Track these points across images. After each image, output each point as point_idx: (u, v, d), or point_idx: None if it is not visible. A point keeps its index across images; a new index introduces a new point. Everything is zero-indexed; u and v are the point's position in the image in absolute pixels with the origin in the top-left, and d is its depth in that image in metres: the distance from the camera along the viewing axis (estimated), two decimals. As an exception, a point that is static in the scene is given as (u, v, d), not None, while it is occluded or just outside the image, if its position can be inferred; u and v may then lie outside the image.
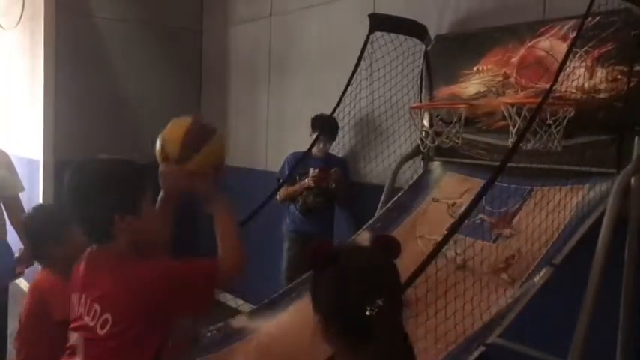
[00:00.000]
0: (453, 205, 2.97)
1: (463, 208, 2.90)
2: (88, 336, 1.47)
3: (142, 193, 1.53)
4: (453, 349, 2.08)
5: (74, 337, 1.52)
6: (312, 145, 3.50)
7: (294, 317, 2.53)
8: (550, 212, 2.45)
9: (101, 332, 1.44)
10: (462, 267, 2.51)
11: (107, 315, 1.44)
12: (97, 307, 1.46)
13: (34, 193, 4.73)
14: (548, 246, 2.35)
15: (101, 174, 1.53)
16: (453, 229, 2.13)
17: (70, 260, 1.83)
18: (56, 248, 2.08)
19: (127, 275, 1.45)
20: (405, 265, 2.67)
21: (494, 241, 2.61)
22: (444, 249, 2.66)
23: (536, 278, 2.17)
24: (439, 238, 2.78)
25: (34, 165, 5.02)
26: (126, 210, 1.48)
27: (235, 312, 2.88)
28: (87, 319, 1.47)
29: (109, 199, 1.48)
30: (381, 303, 1.07)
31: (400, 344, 1.11)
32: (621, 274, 2.45)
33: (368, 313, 1.07)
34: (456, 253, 2.53)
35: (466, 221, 2.17)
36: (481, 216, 2.69)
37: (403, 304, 1.19)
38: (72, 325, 1.54)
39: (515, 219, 2.62)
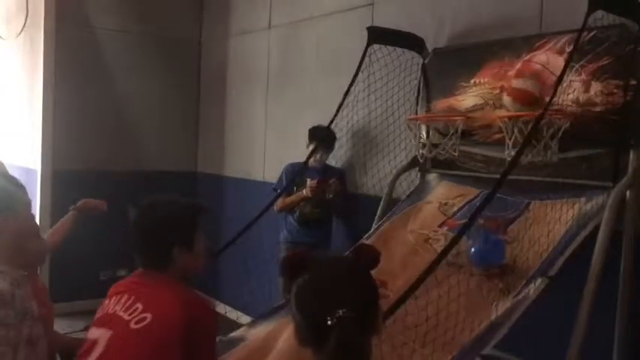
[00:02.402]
0: (445, 204, 2.98)
1: (455, 208, 2.94)
2: (117, 329, 1.59)
3: (196, 230, 1.76)
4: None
5: (95, 333, 1.64)
6: (309, 156, 3.51)
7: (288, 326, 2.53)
8: (546, 225, 2.46)
9: (134, 326, 1.56)
10: (453, 264, 2.51)
11: (148, 314, 1.57)
12: (139, 305, 1.60)
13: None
14: (543, 258, 2.35)
15: (165, 212, 1.76)
16: (454, 240, 2.12)
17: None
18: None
19: (185, 297, 1.64)
20: (394, 255, 2.69)
21: None
22: (435, 245, 2.68)
23: (531, 290, 2.17)
24: (430, 234, 2.81)
25: (31, 174, 5.02)
26: (183, 243, 1.70)
27: (234, 324, 2.87)
28: (122, 314, 1.60)
29: (170, 234, 1.70)
30: (341, 313, 1.09)
31: (354, 356, 1.10)
32: (617, 286, 2.46)
33: (329, 322, 1.09)
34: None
35: (461, 221, 2.17)
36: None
37: (375, 321, 1.18)
38: (97, 322, 1.67)
39: (511, 227, 2.63)
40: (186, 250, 1.70)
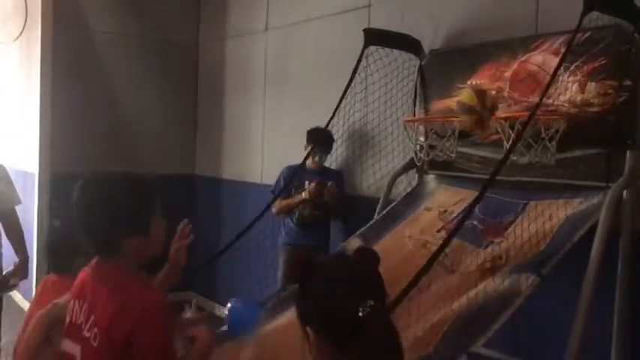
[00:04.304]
0: (445, 212, 2.99)
1: (455, 214, 2.94)
2: (84, 348, 1.48)
3: (151, 212, 1.52)
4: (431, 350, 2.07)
5: (70, 345, 1.52)
6: (305, 158, 3.51)
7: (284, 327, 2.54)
8: (541, 222, 2.46)
9: (93, 344, 1.45)
10: (448, 269, 2.52)
11: (96, 329, 1.45)
12: (93, 317, 1.47)
13: (28, 206, 4.72)
14: (535, 251, 2.36)
15: (112, 190, 1.51)
16: (449, 236, 2.13)
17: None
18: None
19: (124, 299, 1.44)
20: (394, 264, 2.70)
21: (485, 248, 2.63)
22: (431, 247, 2.68)
23: (522, 285, 2.16)
24: (428, 238, 2.82)
25: (28, 177, 5.02)
26: (135, 229, 1.48)
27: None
28: (84, 330, 1.48)
29: (120, 218, 1.47)
30: (372, 303, 1.11)
31: (392, 341, 1.14)
32: (614, 285, 2.47)
33: (360, 313, 1.10)
34: (445, 254, 2.54)
35: (455, 222, 2.17)
36: (473, 222, 2.70)
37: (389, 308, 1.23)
38: (68, 332, 1.55)
39: (508, 230, 2.64)
40: (139, 236, 1.48)
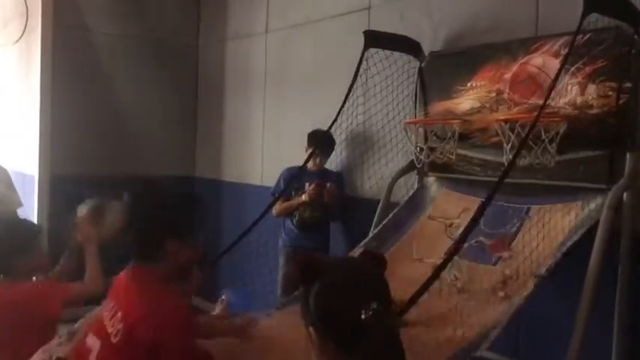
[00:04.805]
0: (451, 225, 2.97)
1: (461, 228, 2.92)
2: (103, 342, 1.57)
3: (192, 222, 1.70)
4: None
5: (92, 339, 1.62)
6: (307, 160, 3.51)
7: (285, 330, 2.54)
8: (546, 234, 2.46)
9: (114, 340, 1.53)
10: (461, 290, 2.51)
11: (121, 325, 1.54)
12: (119, 314, 1.57)
13: (28, 208, 4.72)
14: (542, 267, 2.35)
15: (163, 198, 1.70)
16: (450, 254, 2.13)
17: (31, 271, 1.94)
18: (21, 260, 2.14)
19: (152, 304, 1.56)
20: (403, 287, 2.69)
21: (495, 264, 2.62)
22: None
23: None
24: (438, 262, 2.80)
25: (28, 180, 5.01)
26: (179, 235, 1.63)
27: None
28: (108, 325, 1.58)
29: (168, 224, 1.63)
30: (375, 306, 1.10)
31: (394, 346, 1.14)
32: (615, 287, 2.47)
33: (363, 316, 1.10)
34: (455, 277, 2.54)
35: (465, 244, 2.18)
36: (480, 238, 2.69)
37: (394, 313, 1.23)
38: (95, 327, 1.65)
39: (514, 242, 2.63)
40: (180, 244, 1.63)
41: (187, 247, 1.65)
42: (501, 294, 2.37)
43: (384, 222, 3.26)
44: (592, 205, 2.46)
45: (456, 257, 2.58)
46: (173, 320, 1.55)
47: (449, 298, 2.28)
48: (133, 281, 1.63)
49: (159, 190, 1.74)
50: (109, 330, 1.56)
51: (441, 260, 2.51)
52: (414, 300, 1.88)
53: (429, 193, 3.32)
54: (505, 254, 2.57)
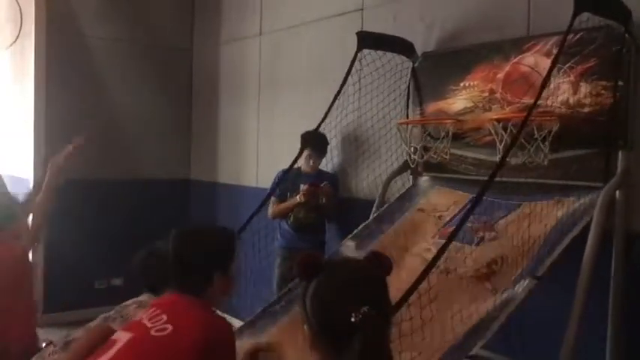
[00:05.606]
0: (440, 217, 2.99)
1: (449, 217, 2.93)
2: (138, 334, 1.67)
3: (233, 256, 1.85)
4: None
5: (119, 334, 1.73)
6: (296, 158, 3.45)
7: (282, 330, 2.54)
8: (533, 222, 2.47)
9: (154, 334, 1.64)
10: (444, 271, 2.52)
11: (169, 326, 1.65)
12: (164, 317, 1.68)
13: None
14: (530, 255, 2.36)
15: (205, 237, 1.86)
16: (443, 247, 2.13)
17: None
18: None
19: (210, 318, 1.73)
20: (392, 278, 2.68)
21: (477, 244, 2.63)
22: (425, 255, 2.67)
23: (519, 288, 2.18)
24: (427, 255, 2.81)
25: (23, 183, 5.00)
26: (221, 269, 1.79)
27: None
28: (146, 322, 1.69)
29: (212, 261, 1.79)
30: (365, 310, 1.10)
31: (381, 352, 1.13)
32: (608, 285, 2.47)
33: (353, 319, 1.09)
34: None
35: (452, 229, 2.18)
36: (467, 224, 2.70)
37: (390, 321, 1.23)
38: (128, 326, 1.77)
39: (500, 222, 2.64)
40: (223, 276, 1.79)
41: (229, 277, 1.82)
42: (488, 286, 2.38)
43: (375, 214, 3.28)
44: (584, 202, 2.47)
45: (439, 240, 2.60)
46: (222, 334, 1.72)
47: (433, 283, 2.28)
48: (181, 300, 1.76)
49: (202, 228, 1.96)
50: (149, 325, 1.66)
51: (428, 246, 2.50)
52: (402, 301, 1.88)
53: (421, 190, 3.33)
54: (488, 234, 2.57)
